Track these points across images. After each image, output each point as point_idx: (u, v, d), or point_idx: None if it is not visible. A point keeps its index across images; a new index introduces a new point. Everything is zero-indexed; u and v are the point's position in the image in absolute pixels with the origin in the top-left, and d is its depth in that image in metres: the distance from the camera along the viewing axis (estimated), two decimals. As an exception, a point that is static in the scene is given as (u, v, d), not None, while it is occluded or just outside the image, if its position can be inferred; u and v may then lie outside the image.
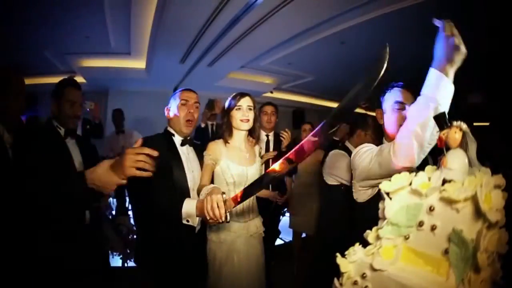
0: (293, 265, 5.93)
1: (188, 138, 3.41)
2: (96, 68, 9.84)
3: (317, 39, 7.71)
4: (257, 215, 3.58)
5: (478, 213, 1.03)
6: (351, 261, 1.31)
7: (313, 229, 5.43)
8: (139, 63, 9.59)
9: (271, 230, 5.07)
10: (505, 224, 1.26)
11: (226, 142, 3.42)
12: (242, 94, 3.43)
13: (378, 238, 1.29)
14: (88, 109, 6.17)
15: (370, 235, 1.35)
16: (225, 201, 2.34)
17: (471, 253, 1.05)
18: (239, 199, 2.33)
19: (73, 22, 6.84)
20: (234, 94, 3.47)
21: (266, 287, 3.53)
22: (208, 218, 2.42)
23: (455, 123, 1.27)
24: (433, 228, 1.12)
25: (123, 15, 6.51)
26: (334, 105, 15.04)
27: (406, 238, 1.20)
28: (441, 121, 1.33)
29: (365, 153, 2.70)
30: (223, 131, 3.45)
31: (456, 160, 1.17)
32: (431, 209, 1.12)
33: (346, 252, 1.35)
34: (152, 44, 7.85)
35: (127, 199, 6.93)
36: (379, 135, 3.60)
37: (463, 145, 1.24)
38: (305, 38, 7.66)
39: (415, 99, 2.19)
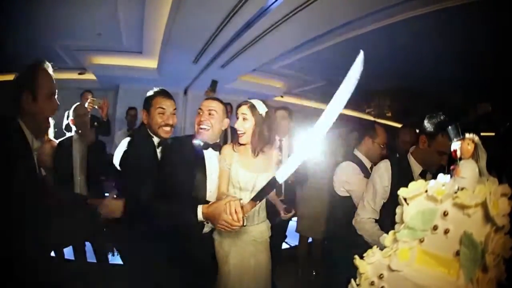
0: (298, 269, 5.96)
1: (210, 142, 3.46)
2: (106, 65, 9.94)
3: (330, 45, 7.77)
4: (263, 219, 3.59)
5: (487, 218, 1.13)
6: (369, 263, 1.41)
7: (320, 234, 5.52)
8: (151, 63, 9.65)
9: (279, 234, 5.14)
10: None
11: (236, 146, 3.47)
12: (242, 103, 3.45)
13: (395, 241, 1.39)
14: (96, 106, 6.27)
15: (387, 238, 1.45)
16: (242, 207, 2.47)
17: (480, 254, 1.14)
18: (252, 207, 2.49)
19: (85, 18, 6.93)
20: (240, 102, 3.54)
21: None
22: (222, 224, 2.55)
23: (467, 135, 1.37)
24: (446, 231, 1.22)
25: (137, 13, 6.55)
26: (344, 111, 15.13)
27: (421, 241, 1.31)
28: (455, 132, 1.43)
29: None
30: (234, 137, 3.54)
31: (468, 170, 1.28)
32: (445, 214, 1.23)
33: (365, 254, 1.44)
34: (165, 44, 7.85)
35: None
36: (385, 145, 3.84)
37: (475, 156, 1.34)
38: (318, 43, 7.72)
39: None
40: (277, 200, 4.23)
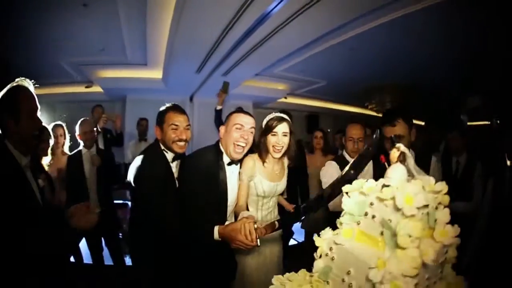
0: (305, 265, 6.20)
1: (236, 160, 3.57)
2: (113, 78, 10.10)
3: (327, 47, 7.96)
4: (277, 217, 3.96)
5: (397, 208, 1.52)
6: (324, 239, 1.83)
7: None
8: (156, 73, 9.76)
9: (285, 231, 5.50)
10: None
11: (263, 161, 3.71)
12: (279, 120, 3.63)
13: (340, 223, 1.83)
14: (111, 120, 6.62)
15: (338, 221, 1.88)
16: (256, 229, 2.75)
17: (394, 235, 1.52)
18: (267, 231, 2.83)
19: (89, 35, 7.19)
20: (272, 116, 3.70)
21: None
22: (237, 244, 2.82)
23: (397, 144, 1.78)
24: (373, 217, 1.63)
25: (139, 27, 6.73)
26: (347, 108, 15.32)
27: (358, 223, 1.72)
28: (391, 143, 1.86)
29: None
30: (260, 150, 3.70)
31: (394, 171, 1.66)
32: (371, 204, 1.64)
33: (321, 233, 1.88)
34: (168, 55, 7.99)
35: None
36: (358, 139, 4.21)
37: (402, 160, 1.75)
38: (316, 46, 7.90)
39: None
40: (283, 200, 4.46)
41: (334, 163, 4.26)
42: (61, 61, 8.70)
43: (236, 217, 3.56)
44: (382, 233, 1.61)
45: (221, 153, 3.53)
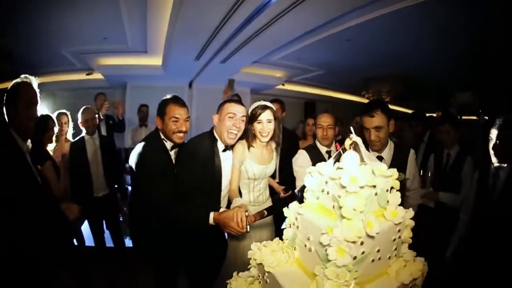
0: None
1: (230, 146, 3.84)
2: (113, 66, 10.21)
3: (325, 37, 8.10)
4: (268, 198, 4.29)
5: (342, 186, 1.78)
6: (291, 210, 2.14)
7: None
8: (156, 60, 9.88)
9: (279, 216, 5.71)
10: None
11: (250, 146, 3.95)
12: (263, 108, 3.87)
13: (304, 198, 2.13)
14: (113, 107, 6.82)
15: (304, 197, 2.18)
16: (247, 217, 3.09)
17: (339, 207, 1.78)
18: (255, 219, 3.16)
19: (91, 24, 7.29)
20: (256, 105, 3.94)
21: None
22: (229, 230, 3.16)
23: (351, 135, 2.09)
24: (327, 192, 1.91)
25: (140, 15, 6.85)
26: (343, 96, 15.51)
27: (317, 198, 2.01)
28: (350, 131, 2.16)
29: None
30: (248, 136, 3.93)
31: (346, 157, 1.95)
32: (326, 182, 1.92)
33: (289, 206, 2.19)
34: (168, 43, 8.13)
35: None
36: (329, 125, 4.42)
37: (355, 148, 2.04)
38: (313, 36, 8.05)
39: None
40: (274, 183, 4.72)
41: (304, 152, 4.42)
42: (62, 49, 8.85)
43: (229, 201, 3.82)
44: (333, 206, 1.89)
45: (216, 140, 3.77)
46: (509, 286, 3.33)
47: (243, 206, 3.26)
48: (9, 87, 3.00)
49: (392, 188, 1.95)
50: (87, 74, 10.33)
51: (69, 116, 5.93)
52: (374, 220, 1.76)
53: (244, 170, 3.97)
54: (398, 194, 1.94)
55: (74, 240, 5.77)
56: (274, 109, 3.99)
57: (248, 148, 3.96)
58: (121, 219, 6.54)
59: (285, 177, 5.01)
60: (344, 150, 2.04)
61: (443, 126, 5.26)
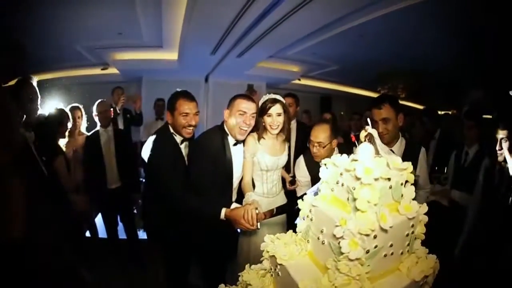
0: None
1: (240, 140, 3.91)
2: (129, 60, 10.22)
3: (339, 32, 8.03)
4: (281, 189, 4.39)
5: (357, 178, 1.76)
6: (305, 202, 2.12)
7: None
8: (171, 55, 9.87)
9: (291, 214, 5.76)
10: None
11: (261, 137, 4.02)
12: (273, 101, 3.91)
13: (319, 190, 2.12)
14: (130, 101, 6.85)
15: (318, 188, 2.17)
16: (257, 214, 3.15)
17: (353, 199, 1.76)
18: (266, 216, 3.25)
19: (106, 19, 7.30)
20: (266, 98, 3.97)
21: None
22: (239, 226, 3.24)
23: (366, 127, 2.06)
24: (342, 184, 1.90)
25: (155, 10, 6.84)
26: (358, 91, 15.46)
27: (332, 190, 2.00)
28: (366, 122, 2.13)
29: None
30: (259, 129, 3.98)
31: (362, 149, 1.93)
32: (341, 174, 1.90)
33: (304, 197, 2.17)
34: (183, 38, 8.14)
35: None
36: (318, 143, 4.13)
37: (371, 140, 2.02)
38: (328, 30, 7.98)
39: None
40: (285, 173, 4.75)
41: (302, 159, 4.41)
42: (77, 45, 8.87)
43: (242, 195, 3.89)
44: (348, 199, 1.87)
45: (226, 134, 3.83)
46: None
47: (254, 203, 3.30)
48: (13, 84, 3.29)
49: (406, 182, 1.93)
50: (102, 69, 10.33)
51: (83, 110, 5.98)
52: (388, 213, 1.74)
53: (257, 162, 4.04)
54: (413, 188, 1.92)
55: (88, 232, 5.96)
56: (284, 102, 4.03)
57: (259, 139, 4.01)
58: (135, 211, 6.59)
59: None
60: (359, 142, 2.02)
61: (468, 122, 5.24)
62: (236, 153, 3.91)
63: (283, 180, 4.59)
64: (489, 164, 4.00)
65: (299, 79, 13.48)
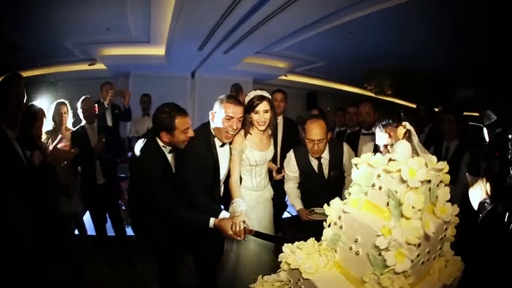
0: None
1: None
2: (116, 56, 10.03)
3: (326, 29, 7.94)
4: (268, 182, 4.52)
5: (403, 180, 1.61)
6: (333, 208, 1.94)
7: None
8: (159, 50, 9.73)
9: (279, 205, 5.76)
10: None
11: (247, 133, 4.07)
12: (260, 98, 3.96)
13: (349, 194, 1.93)
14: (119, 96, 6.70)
15: (346, 192, 1.99)
16: (245, 228, 3.28)
17: (399, 205, 1.62)
18: (253, 233, 3.45)
19: (94, 15, 7.12)
20: (253, 95, 4.00)
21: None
22: (227, 235, 3.36)
23: (403, 123, 1.89)
24: (380, 188, 1.73)
25: (143, 5, 6.73)
26: (344, 88, 15.41)
27: (366, 194, 1.82)
28: (396, 119, 1.96)
29: None
30: (245, 125, 4.02)
31: (400, 147, 1.76)
32: (378, 176, 1.74)
33: (330, 202, 1.98)
34: (171, 33, 8.05)
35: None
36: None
37: (408, 137, 1.85)
38: (316, 27, 7.89)
39: None
40: (271, 164, 4.75)
41: (292, 155, 4.59)
42: (65, 41, 8.69)
43: (230, 195, 3.99)
44: (387, 204, 1.71)
45: (213, 136, 3.89)
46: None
47: (242, 214, 3.44)
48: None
49: (440, 182, 1.80)
50: (89, 65, 10.15)
51: (68, 106, 5.84)
52: (430, 219, 1.62)
53: (246, 158, 4.12)
54: (447, 189, 1.79)
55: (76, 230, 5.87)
56: (271, 98, 4.16)
57: (245, 135, 4.08)
58: (123, 207, 6.63)
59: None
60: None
61: (447, 116, 5.38)
62: (222, 153, 4.00)
63: (270, 171, 4.69)
64: (470, 158, 4.00)
65: (286, 75, 13.28)
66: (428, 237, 1.59)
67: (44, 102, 5.28)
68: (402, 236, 1.53)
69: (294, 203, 4.68)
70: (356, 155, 4.74)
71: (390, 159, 1.73)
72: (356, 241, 1.76)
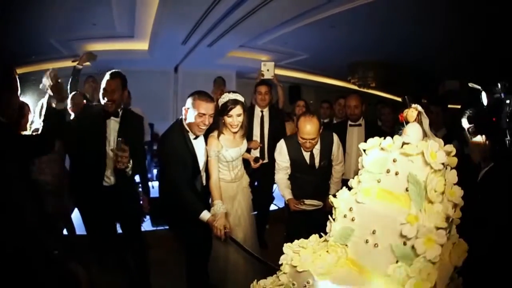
0: (285, 228, 6.28)
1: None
2: (100, 51, 9.49)
3: (310, 22, 7.95)
4: (244, 172, 4.68)
5: (426, 163, 1.50)
6: (341, 199, 1.81)
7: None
8: (142, 45, 9.71)
9: (266, 197, 6.05)
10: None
11: (221, 133, 4.18)
12: (234, 103, 4.06)
13: (359, 182, 1.81)
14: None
15: (352, 182, 1.88)
16: (226, 230, 3.66)
17: (424, 190, 1.52)
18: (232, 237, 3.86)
19: (79, 10, 7.01)
20: (227, 98, 4.09)
21: (260, 248, 4.88)
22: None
23: (413, 105, 1.77)
24: (396, 173, 1.62)
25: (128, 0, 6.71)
26: (327, 81, 15.41)
27: (379, 181, 1.71)
28: (405, 103, 1.84)
29: None
30: (219, 126, 4.15)
31: (412, 130, 1.67)
32: (394, 160, 1.63)
33: (337, 194, 1.86)
34: (156, 27, 8.03)
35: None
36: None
37: (419, 120, 1.74)
38: (299, 21, 7.88)
39: None
40: (246, 154, 4.86)
41: (283, 145, 4.65)
42: (50, 38, 8.62)
43: (211, 195, 4.17)
44: (407, 189, 1.61)
45: (187, 131, 3.98)
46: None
47: (222, 217, 3.75)
48: None
49: (447, 165, 1.71)
50: (73, 61, 10.02)
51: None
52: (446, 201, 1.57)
53: (222, 157, 4.26)
54: (455, 172, 1.71)
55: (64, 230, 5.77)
56: (244, 102, 4.21)
57: (219, 136, 4.20)
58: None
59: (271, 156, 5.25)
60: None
61: (434, 108, 5.39)
62: (198, 144, 4.12)
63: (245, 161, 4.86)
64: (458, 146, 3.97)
65: (268, 70, 13.11)
66: (449, 220, 1.54)
67: (30, 100, 5.12)
68: (430, 221, 1.46)
69: (284, 193, 4.70)
70: (344, 146, 5.06)
71: (405, 143, 1.61)
72: (373, 233, 1.66)
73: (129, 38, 9.28)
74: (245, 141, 4.52)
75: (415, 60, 10.81)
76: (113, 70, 4.41)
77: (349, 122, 5.73)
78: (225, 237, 3.73)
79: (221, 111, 4.09)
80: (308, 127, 4.27)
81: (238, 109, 4.05)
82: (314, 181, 4.62)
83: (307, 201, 4.43)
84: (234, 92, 4.23)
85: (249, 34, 8.79)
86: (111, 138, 4.17)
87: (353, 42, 9.55)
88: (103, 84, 4.22)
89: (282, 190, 4.73)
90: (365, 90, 12.95)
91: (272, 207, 7.05)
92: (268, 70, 6.49)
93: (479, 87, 2.81)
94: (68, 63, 9.96)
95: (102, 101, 4.20)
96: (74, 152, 5.03)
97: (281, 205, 7.37)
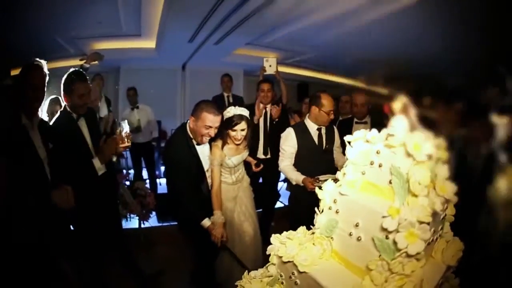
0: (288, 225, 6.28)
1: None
2: (107, 50, 9.72)
3: (317, 20, 7.72)
4: (244, 173, 4.91)
5: (408, 154, 1.49)
6: (326, 191, 1.81)
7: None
8: (149, 43, 9.75)
9: (272, 194, 6.12)
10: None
11: (225, 144, 4.39)
12: (239, 118, 4.27)
13: (344, 174, 1.81)
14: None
15: (339, 173, 1.87)
16: (222, 239, 4.03)
17: (406, 182, 1.51)
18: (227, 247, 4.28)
19: (85, 8, 7.02)
20: (232, 113, 4.29)
21: (266, 245, 4.58)
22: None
23: (399, 97, 1.77)
24: (380, 165, 1.61)
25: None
26: (335, 79, 15.42)
27: (363, 173, 1.71)
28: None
29: None
30: (223, 137, 4.34)
31: (397, 122, 1.65)
32: (377, 152, 1.62)
33: (322, 185, 1.86)
34: (162, 26, 8.06)
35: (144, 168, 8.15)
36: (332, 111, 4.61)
37: (405, 112, 1.73)
38: (306, 18, 7.70)
39: None
40: (249, 158, 4.99)
41: (292, 131, 4.76)
42: (56, 36, 8.59)
43: (210, 200, 4.35)
44: (389, 182, 1.60)
45: (191, 139, 4.13)
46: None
47: (220, 227, 4.07)
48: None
49: (438, 159, 1.68)
50: (80, 60, 10.08)
51: (62, 102, 5.70)
52: (435, 196, 1.53)
53: (225, 163, 4.48)
54: (446, 167, 1.67)
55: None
56: (249, 117, 4.41)
57: (223, 147, 4.40)
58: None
59: (275, 153, 5.39)
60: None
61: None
62: (202, 148, 4.27)
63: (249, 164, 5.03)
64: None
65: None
66: (435, 216, 1.52)
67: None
68: (412, 215, 1.43)
69: (293, 177, 4.69)
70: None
71: (389, 134, 1.60)
72: (356, 225, 1.66)
73: (136, 37, 9.34)
74: (247, 149, 4.71)
75: (423, 57, 10.75)
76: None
77: (355, 120, 5.88)
78: (222, 245, 4.09)
79: (226, 124, 4.24)
80: (330, 99, 4.63)
81: (242, 125, 4.25)
82: (322, 162, 4.75)
83: (322, 177, 4.38)
84: (240, 106, 4.42)
85: (255, 32, 8.79)
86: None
87: (362, 39, 9.37)
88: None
89: (291, 175, 4.73)
90: (372, 87, 12.88)
91: (278, 204, 7.05)
92: (270, 65, 6.58)
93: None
94: (75, 62, 10.07)
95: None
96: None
97: (287, 202, 7.41)
